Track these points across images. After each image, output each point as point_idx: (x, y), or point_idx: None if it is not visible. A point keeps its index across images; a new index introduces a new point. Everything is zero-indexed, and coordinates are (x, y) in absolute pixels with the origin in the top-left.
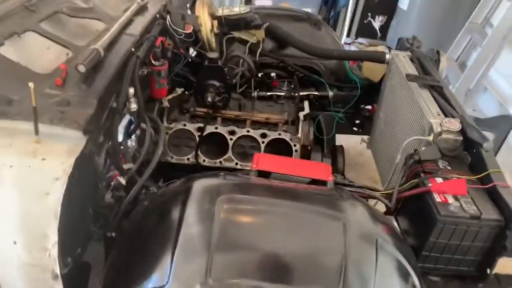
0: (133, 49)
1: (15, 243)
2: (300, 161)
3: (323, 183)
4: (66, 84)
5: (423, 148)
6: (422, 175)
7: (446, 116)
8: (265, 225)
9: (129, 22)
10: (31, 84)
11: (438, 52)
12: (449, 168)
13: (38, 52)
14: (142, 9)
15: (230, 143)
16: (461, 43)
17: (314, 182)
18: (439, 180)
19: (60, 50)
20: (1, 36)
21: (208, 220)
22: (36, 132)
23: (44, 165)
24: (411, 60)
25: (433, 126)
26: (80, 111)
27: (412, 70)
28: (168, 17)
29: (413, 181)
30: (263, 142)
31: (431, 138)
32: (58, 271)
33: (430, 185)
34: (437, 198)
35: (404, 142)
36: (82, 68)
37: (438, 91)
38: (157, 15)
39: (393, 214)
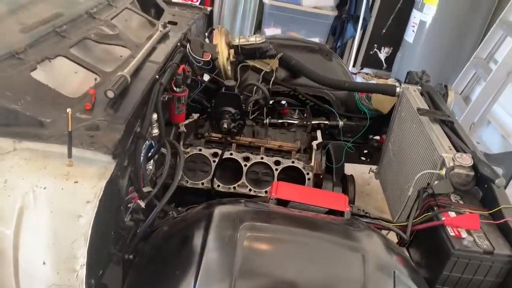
0: (157, 76)
1: (44, 263)
2: (317, 190)
3: (340, 213)
4: (95, 108)
5: (435, 182)
6: (435, 208)
7: (457, 151)
8: (287, 254)
9: (152, 50)
10: (68, 110)
11: (446, 86)
12: (461, 202)
13: (67, 76)
14: (164, 37)
15: (244, 169)
16: (466, 77)
17: (331, 212)
18: (452, 214)
19: (87, 74)
20: (34, 60)
21: (230, 246)
22: (70, 155)
23: (77, 188)
24: (421, 94)
25: (445, 161)
26: (109, 135)
27: (422, 104)
28: (188, 45)
29: (426, 214)
30: (276, 170)
31: (443, 172)
32: None
33: (443, 218)
34: (451, 232)
35: (416, 175)
36: (111, 94)
37: (449, 126)
38: (178, 43)
39: (405, 246)
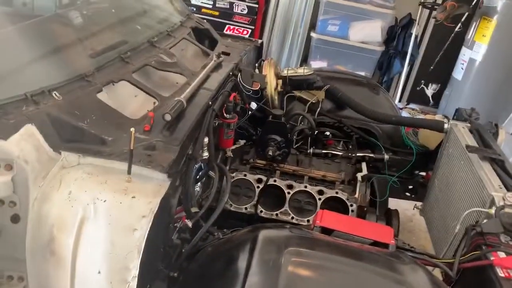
0: (210, 103)
1: (99, 272)
2: (362, 221)
3: (385, 245)
4: (153, 130)
5: (484, 221)
6: (483, 247)
7: (508, 190)
8: (331, 283)
9: (207, 78)
10: (132, 129)
11: (496, 125)
12: (511, 243)
13: (128, 99)
14: (218, 66)
15: (288, 197)
16: None
17: (375, 244)
18: (501, 254)
19: (146, 98)
20: (100, 83)
21: (275, 270)
22: (129, 172)
23: (134, 203)
24: (470, 131)
25: (495, 199)
26: (165, 155)
27: (471, 141)
28: (239, 74)
29: (474, 252)
30: (319, 199)
31: (492, 211)
32: None
33: (492, 258)
34: (500, 273)
35: (464, 212)
36: (168, 117)
37: (499, 165)
38: (231, 73)
39: (451, 285)
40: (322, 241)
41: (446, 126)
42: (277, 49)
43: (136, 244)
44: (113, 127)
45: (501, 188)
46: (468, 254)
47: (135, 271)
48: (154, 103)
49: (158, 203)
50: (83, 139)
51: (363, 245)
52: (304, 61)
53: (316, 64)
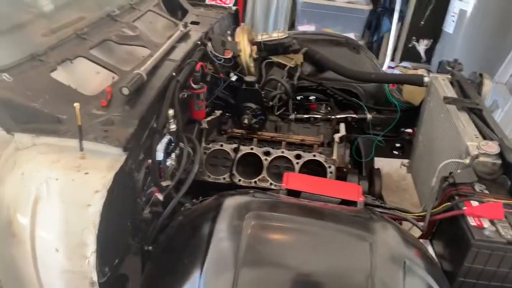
0: (173, 74)
1: (57, 250)
2: (330, 181)
3: (354, 203)
4: (111, 105)
5: (458, 171)
6: (456, 198)
7: (485, 139)
8: (291, 243)
9: (172, 49)
10: (76, 105)
11: (481, 75)
12: (486, 192)
13: (88, 77)
14: (185, 36)
15: (265, 163)
16: (510, 66)
17: (344, 202)
18: (474, 203)
19: (107, 74)
20: (54, 62)
21: (236, 235)
22: (81, 148)
23: (87, 179)
24: (451, 83)
25: (470, 149)
26: (122, 130)
27: (451, 93)
28: (209, 43)
29: (446, 204)
30: (297, 163)
31: (467, 160)
32: (95, 278)
33: (465, 208)
34: (472, 222)
35: (439, 165)
36: (125, 91)
37: (477, 114)
38: (199, 42)
39: (427, 238)
40: (285, 203)
41: (426, 79)
42: (262, 16)
43: (91, 219)
44: (69, 106)
45: (477, 137)
46: (440, 205)
47: (93, 246)
48: (113, 78)
49: (112, 177)
50: (37, 119)
51: (326, 204)
52: (292, 26)
53: (304, 28)
